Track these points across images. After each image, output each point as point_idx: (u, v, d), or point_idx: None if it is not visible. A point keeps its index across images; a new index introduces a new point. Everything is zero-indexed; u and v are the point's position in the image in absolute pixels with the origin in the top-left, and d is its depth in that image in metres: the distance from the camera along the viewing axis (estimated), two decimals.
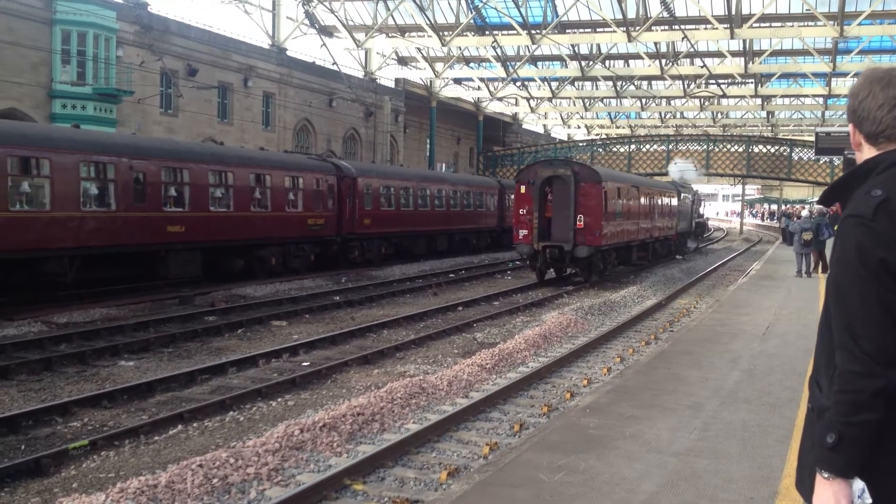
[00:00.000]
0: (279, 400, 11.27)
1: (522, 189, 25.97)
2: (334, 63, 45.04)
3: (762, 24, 42.37)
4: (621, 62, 55.33)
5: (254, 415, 10.52)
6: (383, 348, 14.87)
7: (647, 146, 57.47)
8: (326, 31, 46.22)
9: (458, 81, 58.62)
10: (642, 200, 31.59)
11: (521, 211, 25.91)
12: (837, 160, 42.05)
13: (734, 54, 48.85)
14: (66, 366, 13.21)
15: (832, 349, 2.47)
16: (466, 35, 45.72)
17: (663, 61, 49.78)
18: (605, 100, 66.02)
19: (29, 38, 27.76)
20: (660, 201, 35.34)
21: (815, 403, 2.61)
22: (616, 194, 27.38)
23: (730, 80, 57.15)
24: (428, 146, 57.63)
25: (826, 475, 2.40)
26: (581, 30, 46.61)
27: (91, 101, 29.56)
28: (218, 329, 16.71)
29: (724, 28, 39.44)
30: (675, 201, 38.82)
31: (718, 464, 6.89)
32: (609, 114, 75.18)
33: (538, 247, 25.34)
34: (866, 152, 2.63)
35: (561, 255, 25.35)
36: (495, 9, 44.15)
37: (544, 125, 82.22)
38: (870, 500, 2.39)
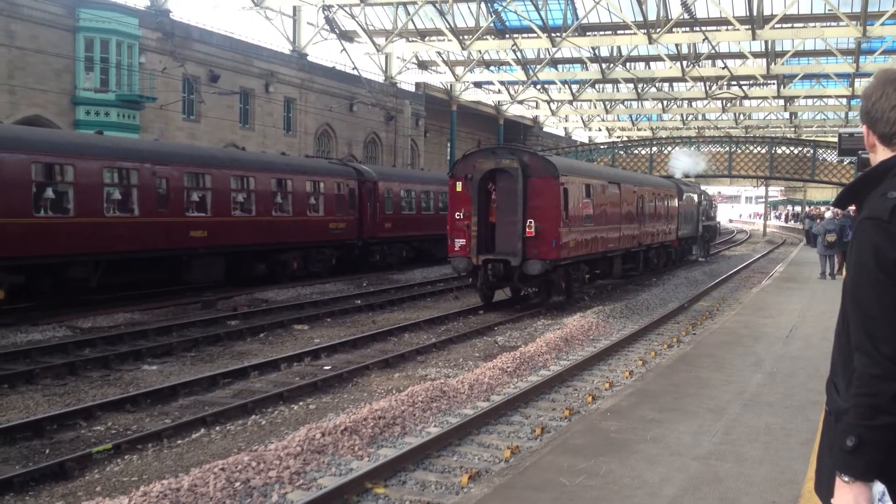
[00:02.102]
0: (301, 403, 11.30)
1: (458, 186, 20.68)
2: (355, 68, 45.21)
3: (784, 25, 42.10)
4: (642, 64, 55.15)
5: (276, 418, 10.57)
6: (404, 352, 14.89)
7: (669, 148, 57.17)
8: (347, 36, 46.39)
9: (478, 85, 58.66)
10: (626, 200, 26.21)
11: (456, 215, 20.70)
12: None
13: (756, 55, 48.58)
14: (91, 370, 13.32)
15: (849, 352, 2.46)
16: (486, 39, 45.74)
17: (684, 63, 49.58)
18: (626, 102, 65.85)
19: (53, 46, 28.05)
20: (653, 202, 30.03)
21: (833, 406, 2.59)
22: (583, 192, 22.08)
23: (752, 82, 56.82)
24: (448, 150, 57.68)
25: (846, 479, 2.38)
26: (601, 32, 46.49)
27: (114, 107, 29.82)
28: (240, 333, 16.79)
29: (746, 29, 39.22)
30: (674, 202, 33.56)
31: (741, 467, 6.85)
32: (630, 116, 75.04)
33: (477, 261, 20.22)
34: (881, 154, 2.62)
35: (507, 271, 20.13)
36: (515, 12, 44.13)
37: (565, 128, 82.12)
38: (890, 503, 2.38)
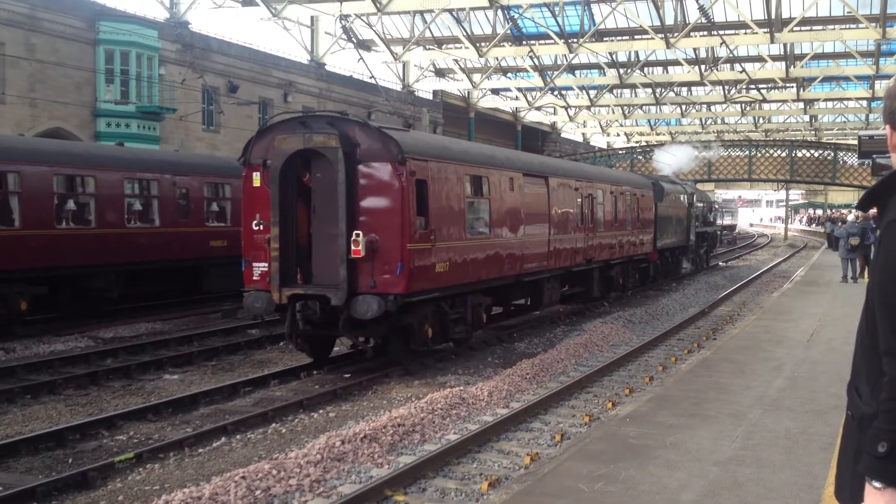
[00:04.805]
0: (321, 412, 11.34)
1: (255, 179, 13.55)
2: (372, 76, 45.31)
3: (803, 28, 41.91)
4: (660, 69, 55.00)
5: (296, 426, 10.61)
6: (423, 359, 14.89)
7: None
8: (364, 45, 46.57)
9: (495, 92, 58.69)
10: (562, 201, 19.27)
11: (254, 224, 13.56)
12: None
13: (775, 58, 48.35)
14: (112, 380, 13.41)
15: (873, 356, 2.42)
16: (503, 45, 45.79)
17: (702, 67, 49.44)
18: (644, 107, 65.72)
19: (73, 59, 28.32)
20: (613, 203, 23.24)
21: (856, 411, 2.55)
22: (466, 187, 14.95)
23: (771, 85, 56.58)
24: None
25: (878, 485, 2.32)
26: (618, 37, 46.44)
27: (134, 119, 30.06)
28: (260, 342, 16.86)
29: (764, 32, 39.06)
30: (650, 204, 27.12)
31: (761, 472, 6.83)
32: (649, 121, 74.82)
33: (281, 298, 13.04)
34: None
35: (325, 314, 13.09)
36: (531, 19, 44.16)
37: (583, 134, 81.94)
38: None
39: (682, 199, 31.53)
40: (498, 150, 19.82)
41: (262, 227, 13.39)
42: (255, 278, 13.46)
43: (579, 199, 20.48)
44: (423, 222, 13.37)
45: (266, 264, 13.23)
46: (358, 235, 12.59)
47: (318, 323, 13.33)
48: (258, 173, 13.48)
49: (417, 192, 13.20)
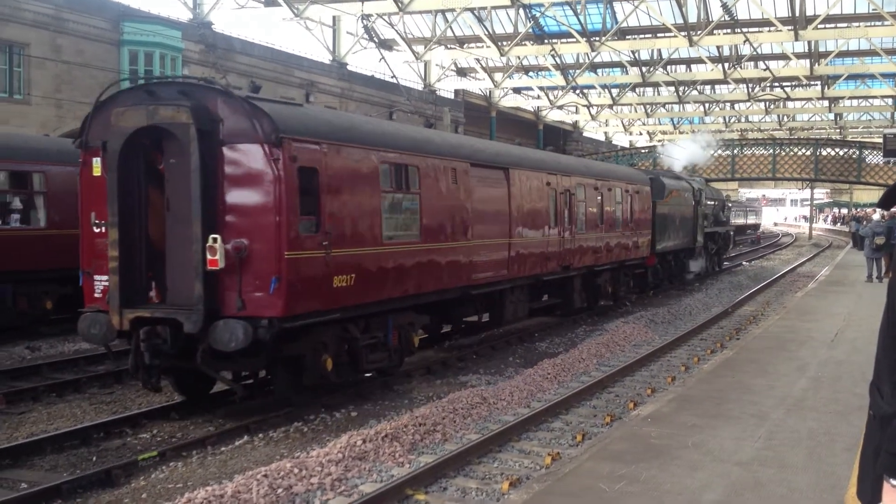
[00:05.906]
0: (342, 411, 11.37)
1: (95, 166, 10.56)
2: (394, 76, 45.38)
3: (827, 25, 41.50)
4: (683, 67, 54.67)
5: (317, 425, 10.64)
6: (444, 358, 14.91)
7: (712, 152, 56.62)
8: (386, 45, 46.61)
9: (517, 91, 58.55)
10: (529, 199, 16.48)
11: (93, 227, 10.66)
12: None
13: (799, 56, 47.94)
14: (137, 378, 13.50)
15: (894, 355, 2.42)
16: (525, 44, 45.68)
17: (726, 65, 49.11)
18: (667, 105, 65.36)
19: (98, 60, 28.53)
20: (597, 201, 20.38)
21: (878, 410, 2.54)
22: (387, 178, 12.20)
23: (795, 83, 56.10)
24: None
25: None
26: (641, 35, 46.20)
27: None
28: None
29: (788, 30, 38.73)
30: (646, 201, 24.15)
31: (783, 473, 6.79)
32: (671, 119, 74.42)
33: (122, 322, 10.10)
34: None
35: (179, 343, 9.99)
36: (553, 17, 44.04)
37: (605, 132, 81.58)
38: None
39: (687, 196, 28.28)
40: (436, 133, 16.35)
41: (103, 230, 10.41)
42: (96, 296, 10.54)
43: (553, 196, 17.65)
44: (314, 223, 10.37)
45: (105, 278, 10.33)
46: (215, 240, 9.59)
47: (171, 354, 10.24)
48: (99, 159, 10.47)
49: (304, 184, 10.14)
